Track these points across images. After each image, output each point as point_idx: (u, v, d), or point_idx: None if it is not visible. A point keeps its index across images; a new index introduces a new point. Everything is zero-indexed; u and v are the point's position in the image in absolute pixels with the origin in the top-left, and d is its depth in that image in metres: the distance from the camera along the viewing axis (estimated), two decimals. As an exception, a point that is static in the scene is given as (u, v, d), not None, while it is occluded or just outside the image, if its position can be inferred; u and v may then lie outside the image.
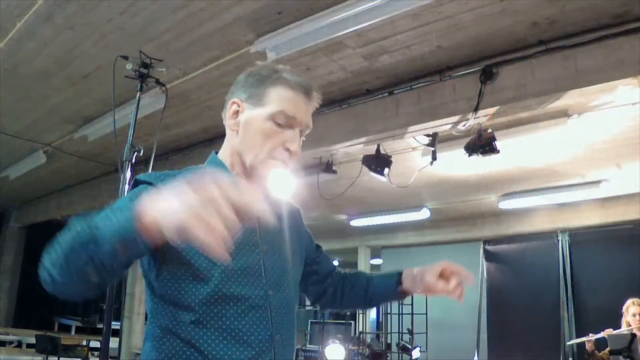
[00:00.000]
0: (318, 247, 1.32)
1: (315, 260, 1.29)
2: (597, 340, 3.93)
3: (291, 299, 1.09)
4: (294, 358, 1.09)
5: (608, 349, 3.81)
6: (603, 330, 3.87)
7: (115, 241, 0.76)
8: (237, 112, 1.09)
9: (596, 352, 3.90)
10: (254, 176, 1.08)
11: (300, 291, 1.22)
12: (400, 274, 1.25)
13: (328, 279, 1.32)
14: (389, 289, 1.26)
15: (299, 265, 1.19)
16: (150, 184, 1.00)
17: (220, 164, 1.10)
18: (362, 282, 1.31)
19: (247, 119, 1.07)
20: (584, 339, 4.07)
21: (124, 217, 0.77)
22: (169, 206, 0.72)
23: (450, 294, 1.14)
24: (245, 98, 1.08)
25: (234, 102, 1.09)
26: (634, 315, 3.88)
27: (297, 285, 1.17)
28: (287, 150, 1.05)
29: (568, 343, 5.17)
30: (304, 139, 1.12)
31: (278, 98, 1.05)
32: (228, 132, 1.12)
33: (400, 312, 6.52)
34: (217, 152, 1.14)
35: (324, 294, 1.32)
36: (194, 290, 0.97)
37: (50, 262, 0.80)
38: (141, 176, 1.04)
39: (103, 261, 0.78)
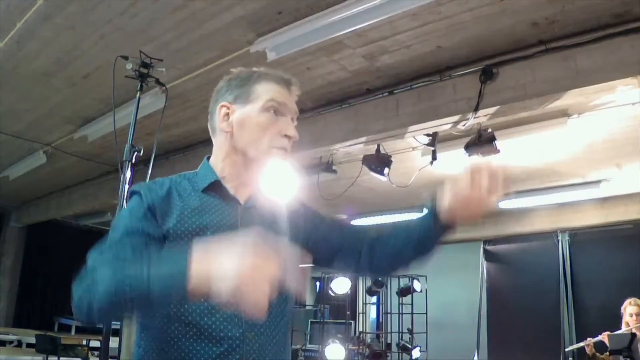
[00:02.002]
0: (323, 219, 1.23)
1: (324, 235, 1.20)
2: (596, 342, 3.93)
3: (277, 298, 1.07)
4: (283, 354, 1.08)
5: (608, 352, 3.81)
6: (601, 334, 3.88)
7: (168, 291, 0.82)
8: (227, 114, 1.13)
9: (597, 354, 3.91)
10: (249, 173, 1.11)
11: (332, 267, 1.22)
12: (433, 211, 1.10)
13: (355, 245, 1.20)
14: (427, 226, 1.11)
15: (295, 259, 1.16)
16: (140, 195, 1.07)
17: (210, 171, 1.14)
18: (400, 234, 1.16)
19: (239, 117, 1.11)
20: (582, 344, 4.08)
21: (174, 270, 0.81)
22: (223, 268, 0.77)
23: (491, 197, 1.00)
24: (233, 99, 1.12)
25: (222, 106, 1.13)
26: (632, 315, 3.89)
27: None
28: (286, 136, 1.10)
29: (567, 349, 5.17)
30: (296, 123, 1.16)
31: (265, 90, 1.10)
32: (220, 136, 1.15)
33: (400, 312, 6.52)
34: (209, 158, 1.18)
35: (358, 258, 1.19)
36: None
37: (90, 304, 0.86)
38: (134, 187, 1.11)
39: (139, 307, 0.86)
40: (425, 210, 1.13)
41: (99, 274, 0.87)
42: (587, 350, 3.94)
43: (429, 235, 1.11)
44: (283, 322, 1.09)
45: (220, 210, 1.08)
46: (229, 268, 0.77)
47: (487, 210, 1.03)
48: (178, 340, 0.98)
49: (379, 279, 1.14)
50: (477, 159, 1.05)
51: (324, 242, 1.20)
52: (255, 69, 1.15)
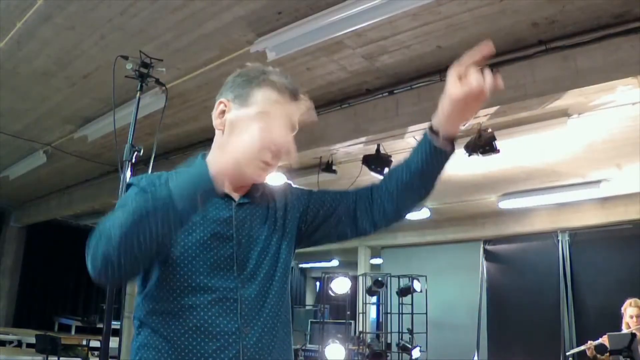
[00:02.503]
0: (311, 196, 1.21)
1: (326, 208, 1.18)
2: (597, 345, 3.94)
3: (272, 291, 1.07)
4: (284, 351, 1.07)
5: (608, 352, 3.81)
6: (601, 337, 3.89)
7: (194, 194, 0.86)
8: (223, 112, 1.11)
9: (598, 355, 3.91)
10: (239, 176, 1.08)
11: (334, 239, 1.18)
12: (429, 128, 1.10)
13: (349, 206, 1.17)
14: (426, 148, 1.09)
15: (291, 248, 1.16)
16: (137, 186, 1.08)
17: None
18: (400, 168, 1.13)
19: (232, 118, 1.09)
20: (583, 347, 4.09)
21: (195, 172, 0.88)
22: (242, 141, 0.90)
23: (485, 86, 1.00)
24: (232, 98, 1.10)
25: (221, 102, 1.12)
26: (632, 317, 3.90)
27: (286, 275, 1.13)
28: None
29: (568, 353, 5.16)
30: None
31: (263, 99, 1.07)
32: (216, 132, 1.15)
33: (400, 312, 6.52)
34: (205, 154, 1.15)
35: (354, 220, 1.16)
36: (168, 281, 1.00)
37: (108, 244, 0.84)
38: (132, 179, 1.12)
39: (163, 232, 0.85)
40: (422, 138, 1.11)
41: (111, 219, 0.87)
42: (588, 353, 3.95)
43: (433, 153, 1.08)
44: (281, 318, 1.08)
45: (214, 206, 1.08)
46: (248, 136, 0.89)
47: (484, 102, 1.02)
48: (174, 336, 0.98)
49: (391, 220, 1.06)
50: (458, 64, 1.03)
51: (319, 216, 1.18)
52: (270, 68, 1.11)
